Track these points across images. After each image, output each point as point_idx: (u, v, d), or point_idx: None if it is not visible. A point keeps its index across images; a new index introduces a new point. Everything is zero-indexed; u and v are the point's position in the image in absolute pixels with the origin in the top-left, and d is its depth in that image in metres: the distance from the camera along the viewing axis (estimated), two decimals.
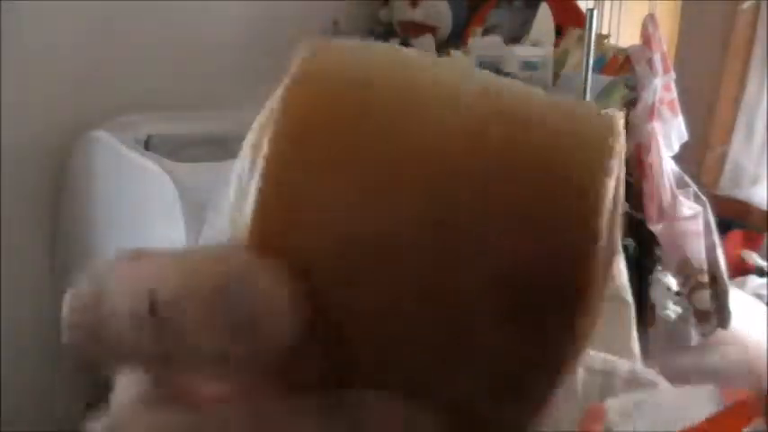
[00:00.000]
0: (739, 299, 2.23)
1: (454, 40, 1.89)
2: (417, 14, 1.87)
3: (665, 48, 1.78)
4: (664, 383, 0.62)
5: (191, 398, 0.15)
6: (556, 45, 1.72)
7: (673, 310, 1.78)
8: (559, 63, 1.68)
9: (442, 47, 1.84)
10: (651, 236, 1.77)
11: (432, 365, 0.13)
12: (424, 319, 0.13)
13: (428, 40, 1.83)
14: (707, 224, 1.90)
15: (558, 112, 0.14)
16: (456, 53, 1.75)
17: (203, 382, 0.15)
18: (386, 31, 1.96)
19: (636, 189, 1.81)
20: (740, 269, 2.68)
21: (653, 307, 1.78)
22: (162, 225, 1.08)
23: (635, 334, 1.36)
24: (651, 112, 1.74)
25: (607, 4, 2.38)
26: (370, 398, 0.13)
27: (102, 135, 1.17)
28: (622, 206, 0.14)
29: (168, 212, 1.06)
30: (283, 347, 0.13)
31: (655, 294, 1.77)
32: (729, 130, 3.02)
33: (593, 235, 0.13)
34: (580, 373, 0.60)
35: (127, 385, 0.15)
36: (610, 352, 0.65)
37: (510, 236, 0.13)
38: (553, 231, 0.13)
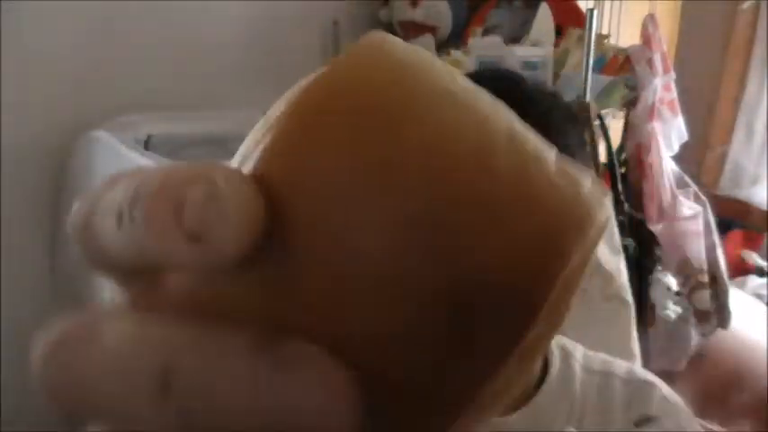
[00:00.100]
0: (739, 299, 2.23)
1: (454, 40, 1.89)
2: (417, 14, 1.88)
3: (665, 48, 1.78)
4: (661, 384, 0.62)
5: None
6: (556, 45, 1.72)
7: (673, 310, 1.78)
8: (559, 63, 1.68)
9: (442, 47, 1.84)
10: (651, 236, 1.77)
11: (378, 339, 0.13)
12: (380, 299, 0.13)
13: (428, 40, 1.83)
14: (707, 224, 1.90)
15: (564, 178, 0.14)
16: (456, 53, 1.75)
17: None
18: (386, 31, 1.96)
19: (636, 189, 1.81)
20: (740, 269, 2.68)
21: (653, 307, 1.78)
22: None
23: (635, 334, 1.35)
24: (651, 112, 1.74)
25: (607, 4, 2.39)
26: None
27: (102, 135, 1.17)
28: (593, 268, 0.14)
29: None
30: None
31: (655, 294, 1.77)
32: (729, 130, 3.02)
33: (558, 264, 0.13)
34: (579, 373, 0.60)
35: None
36: (610, 352, 0.65)
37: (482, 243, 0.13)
38: (519, 245, 0.13)
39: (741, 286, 2.56)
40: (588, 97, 1.55)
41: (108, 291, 0.16)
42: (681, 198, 1.85)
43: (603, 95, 1.70)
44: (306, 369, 0.12)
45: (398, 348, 0.13)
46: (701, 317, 1.91)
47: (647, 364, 1.51)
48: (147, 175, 0.13)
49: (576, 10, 1.78)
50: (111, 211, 0.13)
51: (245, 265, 0.13)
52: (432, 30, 1.86)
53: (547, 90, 0.60)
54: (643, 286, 1.75)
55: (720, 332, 1.99)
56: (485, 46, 1.72)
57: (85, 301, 1.18)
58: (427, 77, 0.15)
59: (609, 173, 1.68)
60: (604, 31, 2.13)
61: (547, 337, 0.15)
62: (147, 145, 1.22)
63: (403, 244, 0.13)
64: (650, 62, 1.71)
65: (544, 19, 1.77)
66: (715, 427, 1.72)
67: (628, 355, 1.31)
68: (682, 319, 1.84)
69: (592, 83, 1.56)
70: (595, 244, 0.14)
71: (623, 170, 1.82)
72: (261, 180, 0.13)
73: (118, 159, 1.15)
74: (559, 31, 1.76)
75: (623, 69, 1.74)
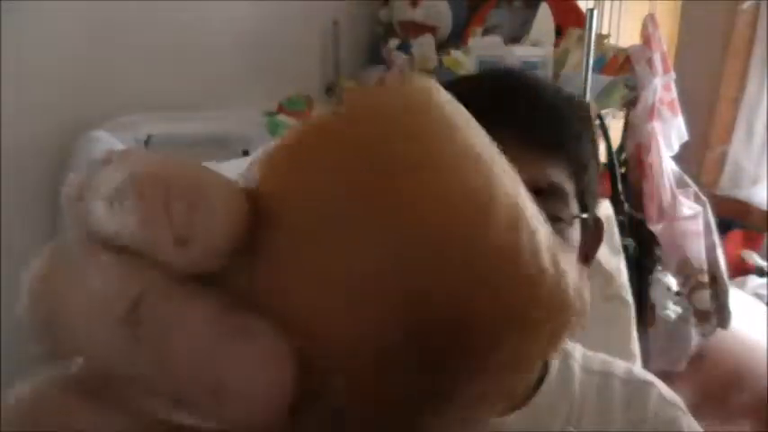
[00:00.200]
0: (739, 299, 2.23)
1: (454, 40, 1.89)
2: (417, 14, 1.87)
3: (665, 48, 1.78)
4: (660, 384, 0.62)
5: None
6: (556, 45, 1.72)
7: (673, 310, 1.78)
8: (559, 63, 1.68)
9: (442, 47, 1.84)
10: (651, 236, 1.77)
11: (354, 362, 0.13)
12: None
13: (428, 40, 1.83)
14: (707, 224, 1.90)
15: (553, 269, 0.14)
16: (456, 53, 1.75)
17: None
18: (386, 31, 1.96)
19: (636, 189, 1.81)
20: (740, 269, 2.68)
21: (653, 307, 1.78)
22: None
23: (635, 334, 1.35)
24: (651, 112, 1.74)
25: (607, 4, 2.39)
26: None
27: (102, 135, 1.17)
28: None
29: None
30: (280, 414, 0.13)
31: (655, 294, 1.77)
32: (729, 130, 3.02)
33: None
34: (578, 373, 0.60)
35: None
36: (609, 352, 0.65)
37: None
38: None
39: (741, 286, 2.56)
40: (588, 97, 1.55)
41: None
42: (681, 198, 1.85)
43: (603, 95, 1.70)
44: (251, 337, 0.13)
45: (363, 362, 0.13)
46: (701, 317, 1.91)
47: (647, 364, 1.51)
48: (139, 165, 0.14)
49: (576, 10, 1.77)
50: (103, 194, 0.14)
51: (233, 257, 0.13)
52: (432, 30, 1.86)
53: (565, 93, 0.59)
54: (643, 286, 1.74)
55: (720, 332, 1.99)
56: (485, 46, 1.72)
57: None
58: (455, 137, 0.15)
59: (609, 173, 1.68)
60: (604, 31, 2.13)
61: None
62: (147, 145, 1.22)
63: (377, 275, 0.13)
64: (650, 62, 1.71)
65: (544, 19, 1.76)
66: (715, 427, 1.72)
67: (627, 355, 1.31)
68: (682, 319, 1.84)
69: (592, 83, 1.56)
70: (565, 334, 0.15)
71: (623, 170, 1.82)
72: (259, 185, 0.14)
73: None
74: (559, 31, 1.76)
75: (623, 69, 1.73)
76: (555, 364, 0.59)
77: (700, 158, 2.96)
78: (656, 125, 1.76)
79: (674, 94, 1.82)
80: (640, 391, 0.60)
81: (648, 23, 1.74)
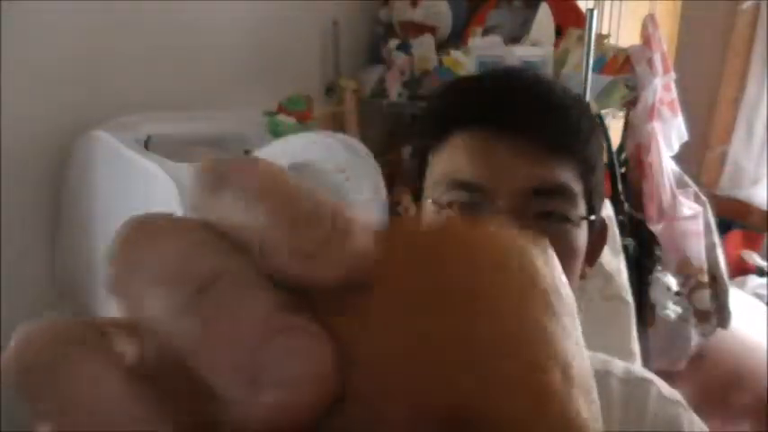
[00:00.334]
0: (739, 299, 2.24)
1: (454, 40, 1.89)
2: (417, 14, 1.88)
3: (665, 48, 1.78)
4: (659, 382, 0.62)
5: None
6: (556, 45, 1.72)
7: (673, 310, 1.78)
8: (559, 63, 1.68)
9: (442, 47, 1.84)
10: (651, 236, 1.77)
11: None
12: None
13: (428, 40, 1.84)
14: (707, 224, 1.91)
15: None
16: (456, 53, 1.75)
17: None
18: (386, 31, 1.96)
19: (636, 189, 1.81)
20: (740, 269, 2.68)
21: (653, 307, 1.78)
22: None
23: (635, 334, 1.36)
24: (651, 112, 1.74)
25: (607, 4, 2.39)
26: None
27: (102, 135, 1.17)
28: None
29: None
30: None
31: (655, 294, 1.77)
32: (729, 130, 3.02)
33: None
34: None
35: None
36: (609, 351, 0.65)
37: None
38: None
39: (741, 286, 2.56)
40: (588, 97, 1.55)
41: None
42: (681, 198, 1.85)
43: (603, 95, 1.70)
44: (301, 336, 0.13)
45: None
46: (701, 317, 1.91)
47: (647, 363, 1.51)
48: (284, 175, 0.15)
49: (576, 10, 1.78)
50: (243, 190, 0.14)
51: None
52: (432, 30, 1.86)
53: (573, 93, 0.59)
54: (643, 286, 1.75)
55: (720, 332, 1.99)
56: (485, 46, 1.72)
57: (85, 301, 1.18)
58: (537, 304, 0.15)
59: (609, 173, 1.68)
60: (604, 31, 2.13)
61: None
62: (147, 145, 1.22)
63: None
64: (650, 62, 1.71)
65: (544, 19, 1.77)
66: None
67: (627, 355, 1.31)
68: (682, 319, 1.84)
69: (592, 83, 1.56)
70: None
71: (623, 170, 1.83)
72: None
73: (118, 159, 1.15)
74: (559, 31, 1.76)
75: (623, 69, 1.74)
76: None
77: (700, 158, 2.96)
78: (656, 125, 1.77)
79: (674, 94, 1.83)
80: (639, 389, 0.60)
81: (648, 23, 1.74)
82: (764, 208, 2.85)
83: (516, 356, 0.14)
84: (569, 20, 1.75)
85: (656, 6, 2.69)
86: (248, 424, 0.13)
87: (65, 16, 1.22)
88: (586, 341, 0.16)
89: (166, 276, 0.14)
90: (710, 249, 1.92)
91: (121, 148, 1.15)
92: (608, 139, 1.64)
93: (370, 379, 0.14)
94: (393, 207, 1.29)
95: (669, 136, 1.84)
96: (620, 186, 1.73)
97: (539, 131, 0.53)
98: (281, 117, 1.46)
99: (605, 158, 1.68)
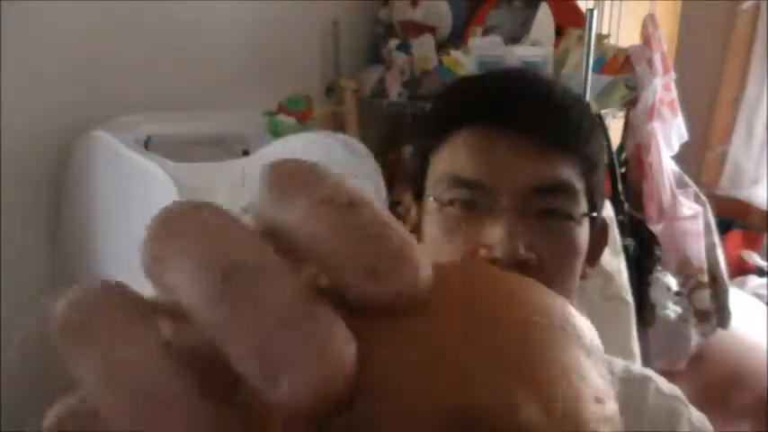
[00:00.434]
0: (739, 299, 2.24)
1: (454, 40, 1.89)
2: (417, 14, 1.88)
3: (665, 48, 1.78)
4: (659, 380, 0.62)
5: None
6: (556, 45, 1.72)
7: (673, 310, 1.78)
8: (559, 63, 1.68)
9: (442, 47, 1.84)
10: (651, 236, 1.77)
11: None
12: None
13: (428, 40, 1.83)
14: (707, 224, 1.91)
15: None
16: (456, 53, 1.75)
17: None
18: (386, 31, 1.96)
19: (636, 189, 1.81)
20: (740, 269, 2.68)
21: (653, 307, 1.78)
22: None
23: (635, 334, 1.35)
24: (651, 112, 1.74)
25: (607, 4, 2.39)
26: None
27: (102, 135, 1.17)
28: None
29: None
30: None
31: (655, 294, 1.77)
32: (729, 130, 3.02)
33: None
34: None
35: None
36: (609, 351, 0.65)
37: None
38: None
39: (741, 286, 2.56)
40: (588, 97, 1.55)
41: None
42: (681, 198, 1.85)
43: (603, 95, 1.70)
44: (323, 322, 0.13)
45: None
46: (701, 317, 1.91)
47: (647, 363, 1.51)
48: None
49: (576, 10, 1.77)
50: (321, 191, 0.15)
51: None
52: (432, 30, 1.86)
53: (574, 92, 0.60)
54: (643, 286, 1.74)
55: (720, 332, 1.99)
56: (485, 46, 1.72)
57: None
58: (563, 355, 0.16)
59: (609, 173, 1.68)
60: (604, 31, 2.13)
61: None
62: (147, 145, 1.22)
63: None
64: (650, 62, 1.71)
65: (544, 19, 1.77)
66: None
67: (627, 355, 1.31)
68: (682, 319, 1.84)
69: (592, 83, 1.56)
70: None
71: (623, 170, 1.83)
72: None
73: (118, 159, 1.15)
74: (559, 31, 1.76)
75: (623, 69, 1.74)
76: None
77: (700, 158, 2.96)
78: (656, 125, 1.76)
79: (674, 94, 1.83)
80: (639, 386, 0.60)
81: (648, 23, 1.74)
82: (764, 208, 2.84)
83: (526, 367, 0.15)
84: (569, 20, 1.75)
85: (656, 6, 2.69)
86: (272, 409, 0.13)
87: (65, 16, 1.22)
88: None
89: (194, 263, 0.14)
90: (710, 249, 1.92)
91: (121, 148, 1.15)
92: (608, 139, 1.64)
93: (379, 381, 0.14)
94: (393, 207, 1.29)
95: (669, 136, 1.84)
96: (620, 186, 1.73)
97: (540, 130, 0.53)
98: (281, 117, 1.46)
99: (605, 158, 1.68)
